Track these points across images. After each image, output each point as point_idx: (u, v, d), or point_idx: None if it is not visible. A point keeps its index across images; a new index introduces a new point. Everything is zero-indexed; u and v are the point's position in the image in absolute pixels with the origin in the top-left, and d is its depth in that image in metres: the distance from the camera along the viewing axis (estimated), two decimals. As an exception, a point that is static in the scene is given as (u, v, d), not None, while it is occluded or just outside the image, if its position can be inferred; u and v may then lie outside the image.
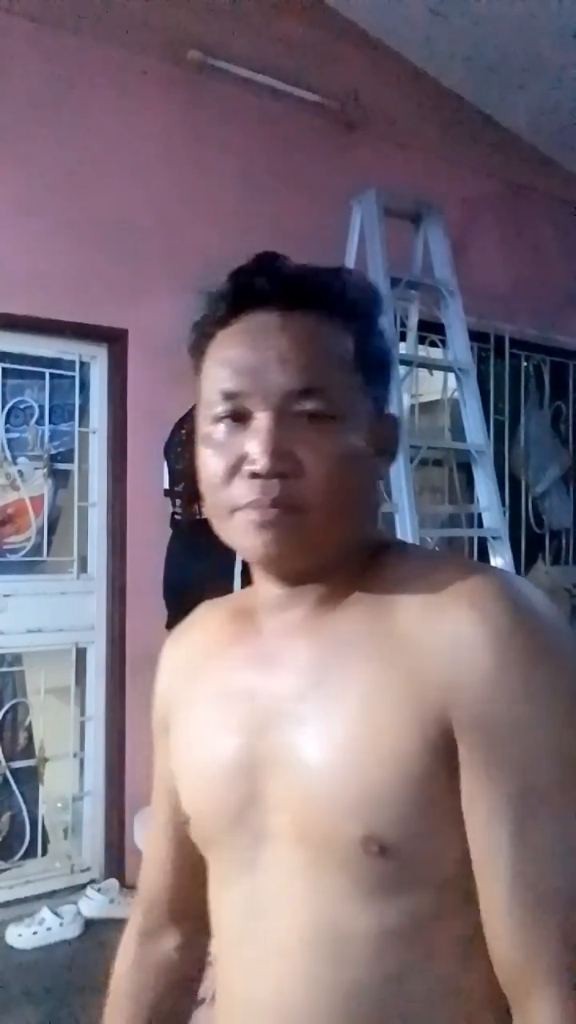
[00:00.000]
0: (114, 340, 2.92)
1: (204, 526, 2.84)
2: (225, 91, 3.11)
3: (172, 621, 2.55)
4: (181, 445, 2.49)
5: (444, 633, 0.57)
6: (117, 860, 2.83)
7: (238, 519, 0.61)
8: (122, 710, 2.85)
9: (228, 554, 2.81)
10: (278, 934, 0.62)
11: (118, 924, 3.01)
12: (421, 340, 3.20)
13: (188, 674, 0.75)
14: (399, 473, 2.49)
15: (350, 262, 2.93)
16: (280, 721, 0.63)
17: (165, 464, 2.57)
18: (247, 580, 2.75)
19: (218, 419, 0.62)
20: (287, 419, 0.60)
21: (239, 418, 0.61)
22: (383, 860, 0.56)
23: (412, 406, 3.21)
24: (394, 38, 2.79)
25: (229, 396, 0.61)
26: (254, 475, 0.59)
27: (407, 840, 0.56)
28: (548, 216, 4.05)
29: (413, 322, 3.14)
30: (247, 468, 0.60)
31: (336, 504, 0.60)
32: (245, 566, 2.70)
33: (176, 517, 2.49)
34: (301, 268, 0.64)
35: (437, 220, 2.92)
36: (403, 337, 3.06)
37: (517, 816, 0.55)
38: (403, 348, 2.99)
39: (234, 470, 0.61)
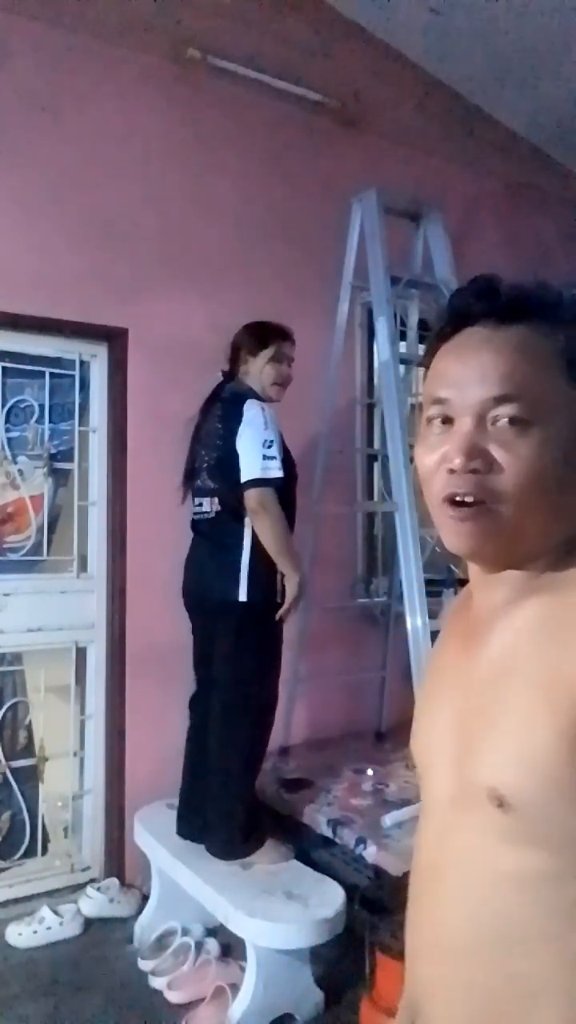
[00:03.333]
0: (114, 339, 2.92)
1: (216, 523, 2.75)
2: (225, 90, 3.11)
3: (195, 627, 2.50)
4: (197, 442, 2.47)
5: None
6: (117, 859, 2.83)
7: (441, 513, 0.71)
8: (122, 709, 2.85)
9: (235, 553, 2.66)
10: (440, 855, 0.73)
11: (118, 923, 3.00)
12: (421, 339, 3.19)
13: (444, 632, 0.89)
14: (399, 472, 2.49)
15: (350, 261, 2.93)
16: (471, 701, 0.72)
17: (190, 460, 2.49)
18: (254, 577, 2.68)
19: (430, 420, 0.73)
20: (485, 424, 0.69)
21: (448, 421, 0.71)
22: (503, 813, 0.65)
23: (412, 406, 3.21)
24: (394, 37, 2.79)
25: (438, 402, 0.72)
26: (451, 471, 0.69)
27: (525, 802, 0.64)
28: (548, 214, 4.04)
29: (413, 321, 3.15)
30: (445, 465, 0.70)
31: (527, 498, 0.68)
32: (252, 563, 2.61)
33: (195, 517, 2.45)
34: (513, 287, 0.72)
35: (437, 219, 2.93)
36: (403, 336, 3.06)
37: None
38: (403, 347, 2.99)
39: (438, 466, 0.71)
